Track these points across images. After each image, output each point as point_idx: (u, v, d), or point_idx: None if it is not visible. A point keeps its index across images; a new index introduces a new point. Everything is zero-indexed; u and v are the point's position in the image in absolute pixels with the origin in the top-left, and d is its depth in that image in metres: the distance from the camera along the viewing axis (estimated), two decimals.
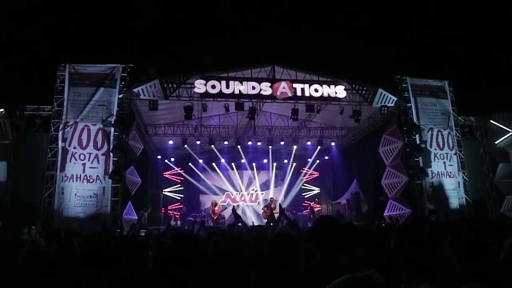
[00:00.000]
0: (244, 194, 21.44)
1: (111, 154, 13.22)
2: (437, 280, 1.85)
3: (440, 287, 1.86)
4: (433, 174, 15.16)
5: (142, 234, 11.20)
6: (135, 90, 13.81)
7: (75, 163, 12.98)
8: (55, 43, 18.91)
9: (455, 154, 15.66)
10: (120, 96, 13.68)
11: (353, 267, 2.15)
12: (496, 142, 16.30)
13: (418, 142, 15.25)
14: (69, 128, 13.16)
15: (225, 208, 18.30)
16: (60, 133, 13.10)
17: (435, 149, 15.45)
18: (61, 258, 3.50)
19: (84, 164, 13.02)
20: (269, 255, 2.48)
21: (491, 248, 1.97)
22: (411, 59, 22.05)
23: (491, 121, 16.55)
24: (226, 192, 21.09)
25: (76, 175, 12.89)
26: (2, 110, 13.19)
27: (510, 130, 16.06)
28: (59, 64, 13.61)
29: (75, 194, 12.75)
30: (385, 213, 15.84)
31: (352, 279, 1.63)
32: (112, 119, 13.38)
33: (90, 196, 12.86)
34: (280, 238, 2.67)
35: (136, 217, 14.38)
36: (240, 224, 6.39)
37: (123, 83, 13.83)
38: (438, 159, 15.38)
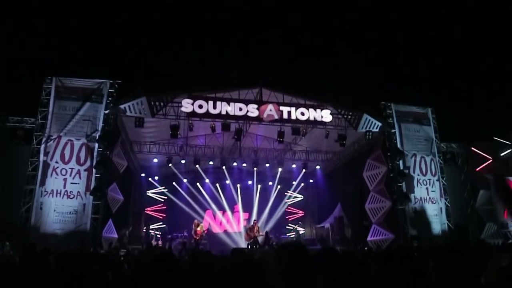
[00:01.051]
0: (228, 214, 21.25)
1: (94, 170, 12.98)
2: None
3: None
4: (416, 200, 15.30)
5: (122, 253, 10.92)
6: (122, 106, 13.77)
7: (56, 178, 12.67)
8: (42, 55, 18.82)
9: (437, 180, 15.89)
10: (106, 111, 13.57)
11: None
12: (477, 169, 16.66)
13: (401, 167, 15.46)
14: (52, 141, 12.91)
15: (207, 229, 18.04)
16: (43, 146, 12.83)
17: (418, 175, 15.66)
18: (35, 275, 3.39)
19: (65, 179, 12.72)
20: (230, 281, 2.42)
21: (472, 272, 2.05)
22: (396, 85, 22.62)
23: (472, 148, 16.96)
24: (207, 209, 20.87)
25: (57, 190, 12.56)
26: None
27: (490, 158, 16.46)
28: (46, 77, 13.48)
29: (54, 210, 12.39)
30: (369, 238, 15.83)
31: None
32: (97, 135, 13.21)
33: (70, 213, 12.51)
34: (239, 263, 2.63)
35: (116, 235, 14.01)
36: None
37: (110, 98, 13.73)
38: (421, 184, 15.57)
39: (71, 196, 12.66)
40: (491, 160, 16.41)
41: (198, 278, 2.78)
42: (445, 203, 15.79)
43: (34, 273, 3.64)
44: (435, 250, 2.37)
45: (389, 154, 15.79)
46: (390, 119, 16.02)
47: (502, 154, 16.32)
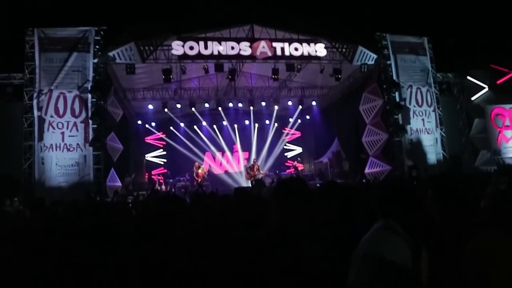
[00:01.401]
0: (228, 155, 21.59)
1: (90, 121, 12.93)
2: (415, 230, 1.95)
3: (419, 236, 1.95)
4: (412, 131, 15.46)
5: (130, 201, 11.25)
6: (110, 54, 13.34)
7: (53, 132, 12.64)
8: (19, 6, 17.82)
9: (433, 110, 15.94)
10: (95, 61, 13.17)
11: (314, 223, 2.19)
12: (473, 99, 16.67)
13: (397, 99, 15.40)
14: (43, 96, 12.68)
15: (208, 171, 18.44)
16: (35, 101, 12.61)
17: (414, 106, 15.67)
18: (47, 226, 3.50)
19: (62, 133, 12.70)
20: (232, 216, 2.51)
21: (468, 198, 2.12)
22: (391, 14, 21.77)
23: (468, 77, 16.82)
24: (207, 152, 21.17)
25: (56, 144, 12.60)
26: None
27: (486, 87, 16.38)
28: (27, 29, 12.88)
29: (56, 164, 12.53)
30: (366, 170, 16.25)
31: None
32: (89, 85, 12.94)
33: (72, 165, 12.67)
34: (243, 198, 2.70)
35: (120, 183, 14.34)
36: None
37: (97, 47, 13.23)
38: (417, 116, 15.64)
39: (71, 149, 12.74)
40: (487, 89, 16.36)
41: (201, 218, 2.87)
42: (441, 133, 15.99)
43: (45, 225, 3.83)
44: (432, 179, 2.43)
45: (385, 86, 15.64)
46: (386, 50, 15.65)
47: (498, 82, 16.20)
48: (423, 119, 15.68)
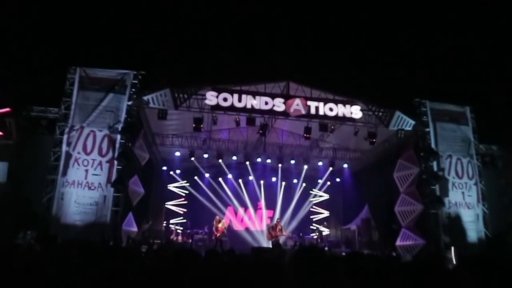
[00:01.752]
0: (250, 212, 20.83)
1: (116, 162, 12.82)
2: None
3: None
4: (451, 204, 14.38)
5: (144, 250, 10.66)
6: (145, 98, 13.56)
7: (77, 168, 12.60)
8: (66, 44, 18.91)
9: (475, 184, 14.87)
10: (129, 103, 13.36)
11: None
12: None
13: (435, 169, 14.56)
14: (74, 132, 12.84)
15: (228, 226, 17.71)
16: (65, 136, 12.77)
17: (454, 178, 14.71)
18: (56, 265, 3.39)
19: (87, 171, 12.62)
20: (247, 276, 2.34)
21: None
22: (432, 82, 21.47)
23: None
24: (229, 206, 20.51)
25: (78, 181, 12.48)
26: (8, 109, 12.99)
27: None
28: (70, 67, 13.42)
29: (75, 201, 12.32)
30: (397, 243, 15.06)
31: None
32: (119, 126, 13.03)
33: (90, 204, 12.40)
34: (261, 260, 2.48)
35: (136, 229, 13.86)
36: None
37: (133, 90, 13.52)
38: (457, 188, 14.61)
39: (92, 188, 12.55)
40: None
41: (215, 274, 2.71)
42: (483, 209, 14.74)
43: (55, 264, 3.60)
44: (472, 261, 2.26)
45: (422, 154, 14.91)
46: (425, 117, 15.11)
47: None
48: (463, 192, 14.61)
